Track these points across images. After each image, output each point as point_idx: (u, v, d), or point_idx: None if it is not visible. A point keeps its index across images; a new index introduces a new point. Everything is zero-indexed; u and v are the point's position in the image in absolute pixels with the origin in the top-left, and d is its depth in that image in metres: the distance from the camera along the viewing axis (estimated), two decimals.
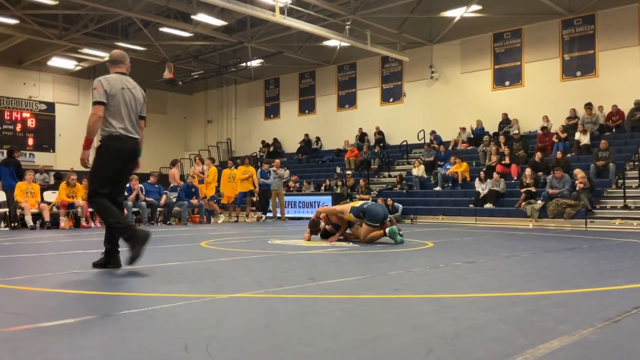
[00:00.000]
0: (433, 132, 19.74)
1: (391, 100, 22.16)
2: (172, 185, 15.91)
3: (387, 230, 7.50)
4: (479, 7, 18.43)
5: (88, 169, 4.70)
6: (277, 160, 17.10)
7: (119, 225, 4.66)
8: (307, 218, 17.21)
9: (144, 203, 13.70)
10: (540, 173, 14.94)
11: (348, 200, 13.89)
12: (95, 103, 4.69)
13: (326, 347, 2.30)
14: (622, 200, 13.26)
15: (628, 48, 16.70)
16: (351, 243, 7.59)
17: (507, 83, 19.20)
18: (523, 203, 14.04)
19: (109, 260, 4.79)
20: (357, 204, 7.87)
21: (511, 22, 18.74)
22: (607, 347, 2.35)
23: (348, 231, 8.06)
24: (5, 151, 16.08)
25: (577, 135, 16.10)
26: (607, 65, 17.10)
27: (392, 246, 7.21)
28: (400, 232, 7.64)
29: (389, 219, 7.78)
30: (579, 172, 13.58)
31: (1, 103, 23.34)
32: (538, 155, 15.50)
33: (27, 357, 2.16)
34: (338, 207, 8.25)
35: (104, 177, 4.75)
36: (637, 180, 13.89)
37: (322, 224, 8.07)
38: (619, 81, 16.71)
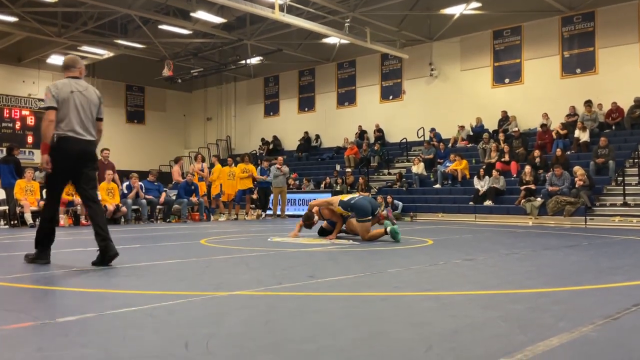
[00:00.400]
0: (433, 130, 19.75)
1: (391, 97, 22.15)
2: (174, 182, 15.93)
3: (388, 229, 7.50)
4: (478, 5, 18.42)
5: (50, 172, 4.92)
6: (280, 158, 17.11)
7: (41, 232, 5.03)
8: None
9: (143, 201, 13.72)
10: (540, 171, 14.95)
11: None
12: (47, 108, 4.89)
13: (326, 344, 2.31)
14: (622, 198, 13.26)
15: (628, 45, 16.68)
16: (351, 240, 7.59)
17: (506, 80, 19.19)
18: (523, 200, 14.05)
19: (105, 256, 4.85)
20: (346, 197, 7.85)
21: (511, 19, 18.73)
22: (607, 345, 2.35)
23: (344, 227, 8.05)
24: (4, 149, 16.04)
25: (577, 133, 16.09)
26: (606, 62, 17.09)
27: (391, 244, 7.21)
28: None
29: (385, 212, 7.76)
30: (578, 170, 13.58)
31: (0, 101, 23.32)
32: (537, 153, 15.49)
33: (27, 355, 2.16)
34: (328, 199, 8.25)
35: (55, 177, 5.00)
36: (637, 178, 13.89)
37: (316, 217, 8.07)
38: (618, 78, 16.71)
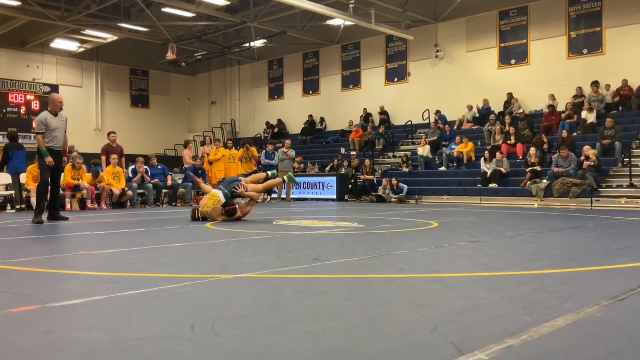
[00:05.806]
0: (438, 112, 19.65)
1: (396, 80, 22.02)
2: (185, 166, 15.95)
3: (285, 177, 9.22)
4: None
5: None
6: (288, 141, 17.05)
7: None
8: (312, 199, 17.27)
9: (150, 185, 13.75)
10: (545, 146, 14.90)
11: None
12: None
13: (331, 326, 2.31)
14: (628, 179, 13.20)
15: (636, 25, 16.47)
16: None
17: (513, 62, 19.02)
18: (528, 182, 14.01)
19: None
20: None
21: None
22: (612, 325, 2.35)
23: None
24: (6, 134, 15.77)
25: (584, 114, 15.97)
26: (614, 42, 16.90)
27: (397, 227, 7.21)
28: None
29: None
30: (589, 150, 13.48)
31: (5, 85, 23.32)
32: (543, 138, 15.40)
33: (34, 338, 2.18)
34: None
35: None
36: None
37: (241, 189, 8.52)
38: (626, 59, 16.52)
